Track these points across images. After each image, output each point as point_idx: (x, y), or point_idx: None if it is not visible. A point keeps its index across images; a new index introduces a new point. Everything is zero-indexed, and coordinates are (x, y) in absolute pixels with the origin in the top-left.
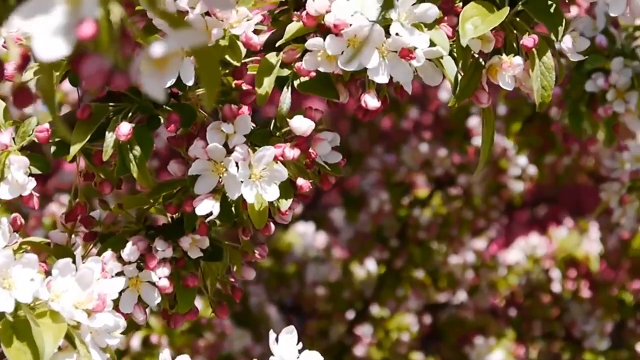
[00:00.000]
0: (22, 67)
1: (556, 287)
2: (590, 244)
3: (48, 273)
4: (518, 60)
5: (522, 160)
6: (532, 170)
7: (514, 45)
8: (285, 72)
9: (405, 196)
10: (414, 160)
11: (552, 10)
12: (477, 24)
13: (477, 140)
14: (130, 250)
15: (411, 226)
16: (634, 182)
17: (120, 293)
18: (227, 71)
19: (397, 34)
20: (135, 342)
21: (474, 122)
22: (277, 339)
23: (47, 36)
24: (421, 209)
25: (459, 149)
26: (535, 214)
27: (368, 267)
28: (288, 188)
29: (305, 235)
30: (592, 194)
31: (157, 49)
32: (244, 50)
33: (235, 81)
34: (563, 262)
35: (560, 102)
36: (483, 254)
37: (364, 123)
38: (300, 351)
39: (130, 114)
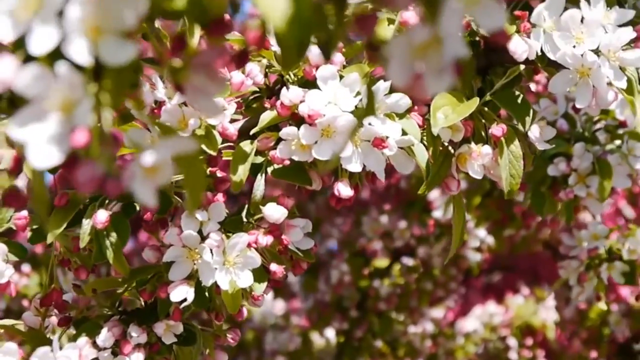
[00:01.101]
0: (14, 170)
1: (513, 356)
2: (546, 312)
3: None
4: (487, 149)
5: (481, 232)
6: (490, 240)
7: (483, 133)
8: (259, 159)
9: (365, 267)
10: (374, 231)
11: (519, 100)
12: (447, 114)
13: (437, 213)
14: (105, 337)
15: (371, 297)
16: (591, 260)
17: None
18: (202, 157)
19: (370, 124)
20: None
21: (434, 195)
22: None
23: (41, 144)
24: (381, 279)
25: (419, 221)
26: (492, 282)
27: (327, 336)
28: (262, 273)
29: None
30: (549, 262)
31: (149, 158)
32: (219, 139)
33: (210, 168)
34: (520, 330)
35: (523, 184)
36: (441, 323)
37: (322, 190)
38: None
39: (106, 202)
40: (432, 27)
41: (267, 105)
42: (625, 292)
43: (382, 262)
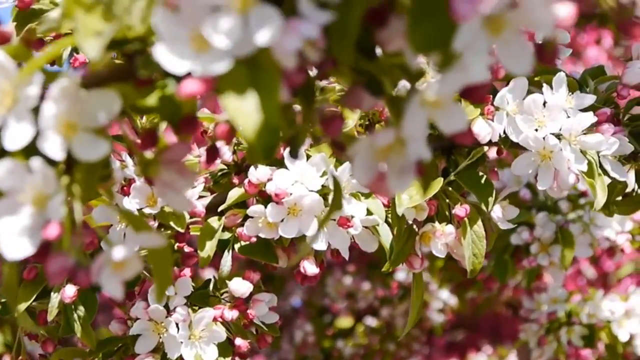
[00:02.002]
0: None
1: None
2: None
3: None
4: (450, 229)
5: (444, 293)
6: (453, 301)
7: (447, 213)
8: (227, 235)
9: (329, 327)
10: (338, 292)
11: (482, 181)
12: (412, 194)
13: (400, 275)
14: None
15: (334, 357)
16: (551, 324)
17: None
18: (168, 232)
19: None
20: None
21: None
22: None
23: (13, 236)
24: (344, 340)
25: (382, 282)
26: (455, 340)
27: None
28: (227, 347)
29: None
30: (511, 321)
31: (118, 253)
32: (187, 216)
33: (178, 244)
34: None
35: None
36: None
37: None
38: None
39: None
40: (396, 129)
41: (235, 181)
42: (587, 353)
43: (345, 322)
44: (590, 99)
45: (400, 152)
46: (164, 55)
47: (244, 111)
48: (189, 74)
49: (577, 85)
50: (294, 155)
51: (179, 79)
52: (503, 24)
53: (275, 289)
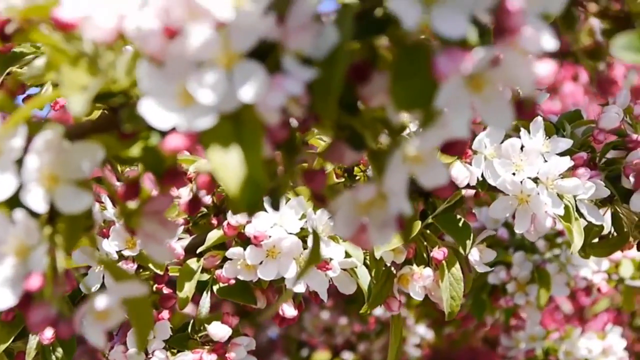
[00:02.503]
0: None
1: None
2: None
3: None
4: (428, 272)
5: (421, 329)
6: (430, 335)
7: (425, 255)
8: (205, 276)
9: None
10: (315, 326)
11: (460, 224)
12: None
13: (377, 311)
14: None
15: None
16: None
17: None
18: (147, 273)
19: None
20: None
21: None
22: None
23: None
24: None
25: (360, 318)
26: None
27: None
28: None
29: None
30: (488, 357)
31: (101, 303)
32: None
33: (156, 285)
34: None
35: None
36: None
37: None
38: None
39: None
40: (377, 184)
41: (214, 222)
42: None
43: (323, 356)
44: (566, 143)
45: (382, 206)
46: (149, 110)
47: (228, 166)
48: (173, 128)
49: (554, 129)
50: (275, 207)
51: (163, 131)
52: (484, 82)
53: (251, 321)
